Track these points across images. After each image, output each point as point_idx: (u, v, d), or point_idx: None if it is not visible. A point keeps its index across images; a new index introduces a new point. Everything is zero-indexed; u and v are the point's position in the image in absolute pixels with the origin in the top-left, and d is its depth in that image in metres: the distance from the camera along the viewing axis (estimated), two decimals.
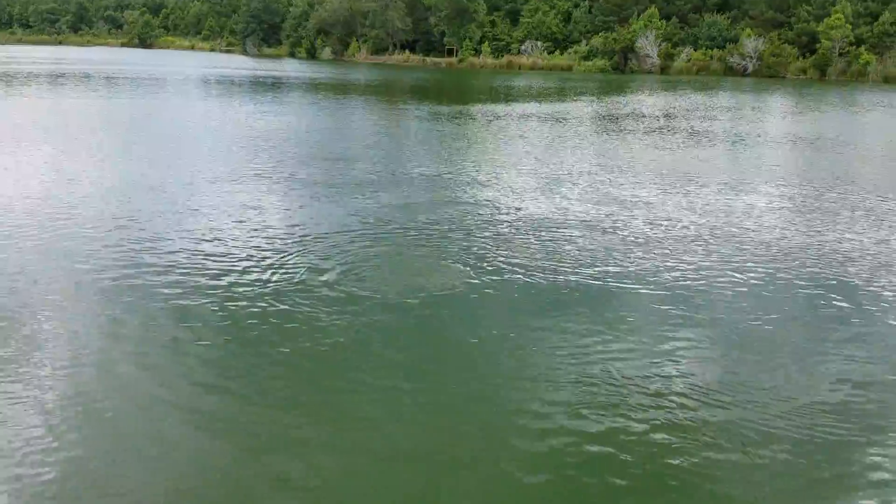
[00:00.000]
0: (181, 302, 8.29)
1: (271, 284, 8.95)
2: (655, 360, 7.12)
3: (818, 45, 73.04)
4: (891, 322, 8.35)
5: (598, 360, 7.08)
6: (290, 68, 72.99)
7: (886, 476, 5.39)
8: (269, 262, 9.82)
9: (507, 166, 18.09)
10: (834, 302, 8.94)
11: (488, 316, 8.15)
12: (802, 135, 27.82)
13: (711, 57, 78.36)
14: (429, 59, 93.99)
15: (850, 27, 71.45)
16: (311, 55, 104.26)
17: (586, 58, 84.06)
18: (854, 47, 71.38)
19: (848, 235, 12.13)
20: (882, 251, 11.24)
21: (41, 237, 10.64)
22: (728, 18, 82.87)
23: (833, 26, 70.83)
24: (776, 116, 35.85)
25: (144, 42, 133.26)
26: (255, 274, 9.33)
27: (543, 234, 11.65)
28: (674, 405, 6.24)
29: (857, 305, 8.85)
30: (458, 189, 15.03)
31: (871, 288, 9.49)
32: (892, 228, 12.67)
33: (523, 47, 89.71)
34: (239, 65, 75.98)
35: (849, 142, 25.52)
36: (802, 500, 5.08)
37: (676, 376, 6.79)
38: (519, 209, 13.32)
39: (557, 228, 12.01)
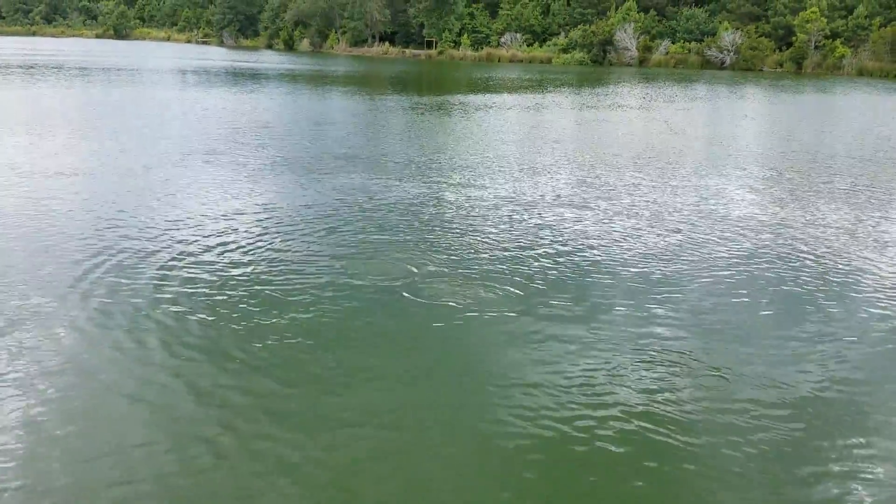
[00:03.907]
0: (152, 289, 8.13)
1: (251, 268, 8.83)
2: (631, 352, 7.11)
3: (794, 39, 73.84)
4: (865, 303, 8.41)
5: (571, 350, 7.05)
6: (268, 60, 72.38)
7: (860, 466, 5.42)
8: (246, 246, 9.69)
9: (488, 155, 18.03)
10: (808, 284, 8.99)
11: (467, 304, 8.10)
12: (776, 124, 28.06)
13: (689, 50, 78.94)
14: (408, 51, 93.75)
15: (826, 21, 72.28)
16: (289, 47, 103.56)
17: (565, 50, 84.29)
18: (829, 40, 72.21)
19: (819, 216, 12.22)
20: (856, 231, 11.33)
21: (8, 224, 10.44)
22: (706, 11, 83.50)
23: (809, 20, 71.60)
24: (750, 107, 36.14)
25: (120, 33, 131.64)
26: (234, 258, 9.20)
27: (525, 220, 11.62)
28: (651, 399, 6.24)
29: (831, 286, 8.91)
30: (441, 176, 14.95)
31: (850, 268, 9.56)
32: (862, 208, 12.79)
33: (502, 39, 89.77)
34: (215, 56, 75.23)
35: (820, 130, 25.79)
36: (781, 492, 5.08)
37: (654, 363, 6.79)
38: (499, 196, 13.27)
39: (539, 214, 11.98)
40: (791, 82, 55.41)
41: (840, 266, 9.79)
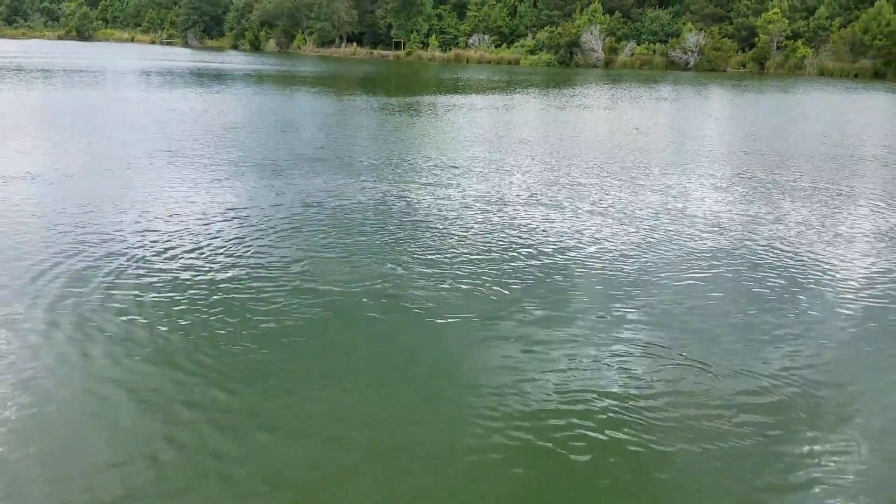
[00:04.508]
0: (111, 294, 7.97)
1: (215, 271, 8.74)
2: (601, 350, 7.17)
3: (757, 40, 75.03)
4: (829, 297, 8.58)
5: (541, 349, 7.09)
6: (234, 60, 71.69)
7: (827, 460, 5.52)
8: (211, 249, 9.59)
9: (457, 155, 18.06)
10: (774, 279, 9.15)
11: (436, 305, 8.10)
12: (739, 123, 28.52)
13: (654, 51, 79.82)
14: (376, 52, 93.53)
15: (787, 22, 73.55)
16: (255, 47, 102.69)
17: (533, 52, 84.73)
18: (791, 41, 73.50)
19: (783, 213, 12.45)
20: (819, 227, 11.56)
21: None
22: (670, 13, 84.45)
23: (771, 21, 72.82)
24: (714, 107, 36.68)
25: (82, 35, 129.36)
26: (197, 261, 9.10)
27: (494, 220, 11.66)
28: (621, 397, 6.30)
29: (796, 281, 9.08)
30: (411, 177, 14.93)
31: (814, 263, 9.75)
32: (824, 205, 13.05)
33: (470, 41, 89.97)
34: (180, 57, 74.29)
35: (782, 129, 26.26)
36: (747, 486, 5.17)
37: (625, 361, 6.86)
38: (468, 196, 13.30)
39: (508, 214, 12.03)
40: (754, 82, 56.30)
41: (804, 261, 9.98)
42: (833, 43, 71.35)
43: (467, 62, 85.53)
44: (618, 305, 8.07)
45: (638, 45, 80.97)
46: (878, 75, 67.38)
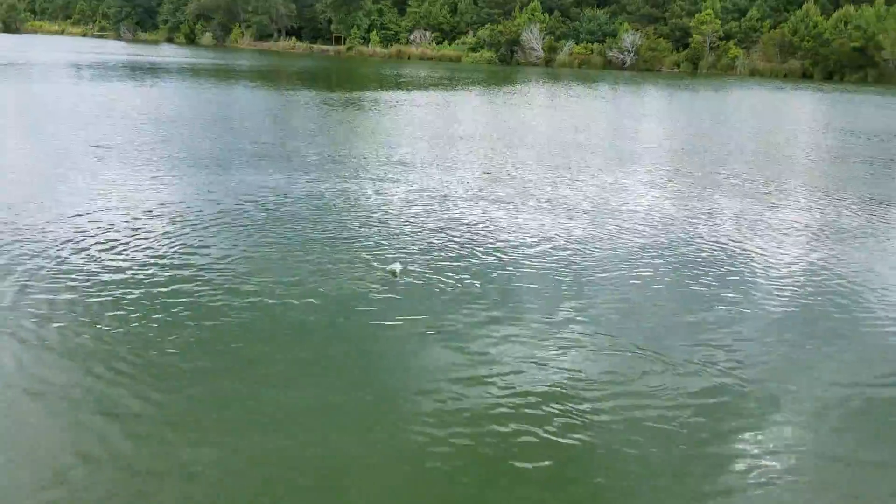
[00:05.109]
0: (31, 291, 7.64)
1: (150, 269, 8.49)
2: (542, 347, 7.24)
3: (691, 40, 76.78)
4: (761, 285, 8.84)
5: (485, 345, 7.12)
6: (169, 54, 69.86)
7: (759, 445, 5.69)
8: (145, 247, 9.32)
9: (398, 151, 17.98)
10: (710, 269, 9.39)
11: (380, 301, 8.05)
12: (674, 122, 29.21)
13: (592, 51, 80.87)
14: (316, 47, 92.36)
15: (720, 23, 75.49)
16: (191, 41, 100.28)
17: (474, 49, 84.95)
18: (723, 42, 75.50)
19: (717, 207, 12.79)
20: (751, 219, 11.91)
21: None
22: (607, 13, 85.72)
23: (704, 21, 74.61)
24: (650, 105, 37.46)
25: (9, 27, 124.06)
26: (131, 260, 8.82)
27: (438, 215, 11.65)
28: (566, 389, 6.37)
29: (732, 270, 9.33)
30: (352, 173, 14.80)
31: (748, 254, 10.04)
32: (755, 199, 13.46)
33: (412, 37, 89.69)
34: (113, 50, 71.99)
35: (715, 127, 27.01)
36: (682, 482, 5.28)
37: (570, 353, 6.95)
38: (411, 191, 13.25)
39: (451, 209, 12.03)
40: (687, 82, 57.68)
41: (738, 254, 10.26)
42: (763, 44, 73.63)
43: (409, 58, 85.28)
44: (559, 301, 8.14)
45: (577, 44, 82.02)
46: (805, 76, 69.84)
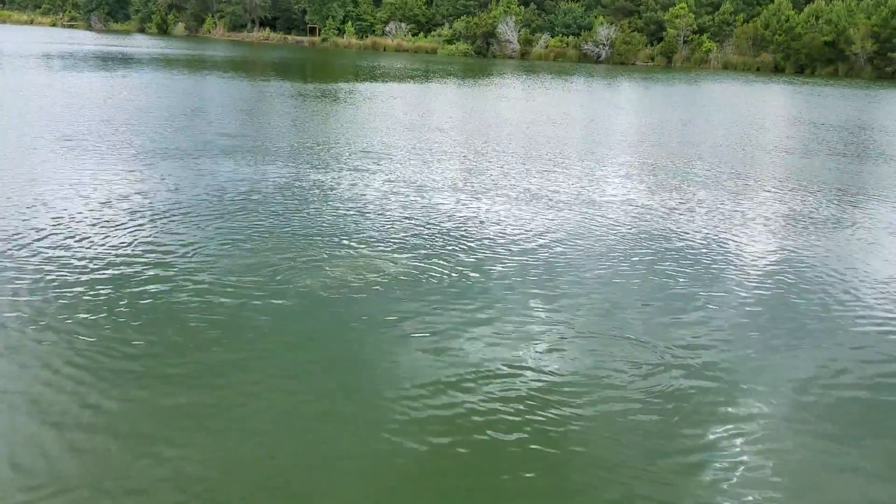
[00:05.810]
0: (3, 290, 7.56)
1: (122, 263, 8.34)
2: (516, 342, 7.23)
3: (665, 34, 77.36)
4: (736, 277, 8.92)
5: (464, 341, 7.10)
6: (141, 44, 68.88)
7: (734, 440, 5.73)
8: (117, 240, 9.15)
9: (374, 143, 17.88)
10: (687, 262, 9.45)
11: (359, 296, 7.99)
12: (649, 114, 29.39)
13: (567, 44, 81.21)
14: (290, 38, 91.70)
15: (693, 16, 76.16)
16: (163, 31, 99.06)
17: (450, 41, 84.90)
18: (697, 35, 76.20)
19: (693, 200, 12.89)
20: (726, 212, 12.02)
21: None
22: (582, 6, 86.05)
23: (678, 15, 75.22)
24: (625, 98, 37.68)
25: None
26: (102, 253, 8.66)
27: (415, 208, 11.59)
28: (544, 386, 6.36)
29: (708, 263, 9.40)
30: (328, 164, 14.69)
31: (724, 246, 10.12)
32: (729, 191, 13.59)
33: (387, 28, 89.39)
34: (83, 40, 70.81)
35: (689, 120, 27.23)
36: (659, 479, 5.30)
37: (548, 348, 6.95)
38: (388, 183, 13.18)
39: (428, 201, 11.98)
40: (662, 75, 58.07)
41: (712, 245, 10.33)
42: (736, 38, 74.43)
43: (384, 50, 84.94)
44: (534, 294, 8.14)
45: (552, 37, 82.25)
46: (777, 69, 70.70)
